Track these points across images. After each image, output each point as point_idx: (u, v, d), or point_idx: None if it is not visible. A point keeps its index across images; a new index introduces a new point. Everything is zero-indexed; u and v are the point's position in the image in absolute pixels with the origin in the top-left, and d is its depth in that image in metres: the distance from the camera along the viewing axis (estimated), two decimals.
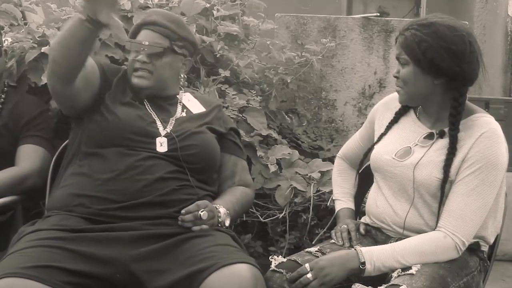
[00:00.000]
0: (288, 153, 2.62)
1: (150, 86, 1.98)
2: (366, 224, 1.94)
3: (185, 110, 2.03)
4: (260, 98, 2.74)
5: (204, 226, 1.76)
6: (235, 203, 1.94)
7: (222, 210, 1.85)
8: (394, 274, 1.66)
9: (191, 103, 2.07)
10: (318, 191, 2.57)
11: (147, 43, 1.95)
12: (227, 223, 1.85)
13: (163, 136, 1.89)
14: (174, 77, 2.05)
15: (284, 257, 1.80)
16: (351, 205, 2.08)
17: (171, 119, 1.97)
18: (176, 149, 1.88)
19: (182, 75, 2.08)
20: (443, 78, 1.74)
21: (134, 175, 1.79)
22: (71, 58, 1.77)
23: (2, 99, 2.26)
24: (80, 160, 1.88)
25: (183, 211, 1.76)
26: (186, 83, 2.17)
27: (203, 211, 1.76)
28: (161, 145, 1.87)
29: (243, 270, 1.59)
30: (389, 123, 1.93)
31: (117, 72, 2.04)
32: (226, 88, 2.65)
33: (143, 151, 1.85)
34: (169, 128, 1.93)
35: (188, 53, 2.06)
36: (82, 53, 1.78)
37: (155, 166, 1.82)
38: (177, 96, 2.07)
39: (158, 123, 1.93)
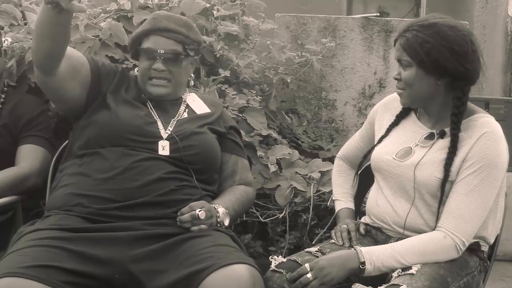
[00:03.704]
0: (288, 153, 2.62)
1: (169, 93, 1.99)
2: (366, 224, 1.94)
3: (187, 110, 2.03)
4: (260, 98, 2.74)
5: (203, 226, 1.76)
6: (235, 202, 1.94)
7: (221, 210, 1.85)
8: (394, 274, 1.66)
9: (195, 103, 2.07)
10: (318, 191, 2.56)
11: (163, 51, 1.94)
12: (227, 222, 1.85)
13: (165, 139, 1.89)
14: (186, 80, 2.08)
15: (284, 257, 1.80)
16: (351, 205, 2.08)
17: (172, 119, 1.97)
18: (178, 149, 1.87)
19: (191, 75, 2.10)
20: (446, 78, 1.74)
21: (133, 175, 1.79)
22: (43, 44, 1.78)
23: (2, 99, 2.26)
24: (80, 160, 1.88)
25: (178, 213, 1.76)
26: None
27: (200, 210, 1.76)
28: (163, 149, 1.87)
29: (241, 271, 1.58)
30: (390, 125, 1.93)
31: (115, 71, 2.03)
32: (226, 88, 2.65)
33: (143, 152, 1.84)
34: (169, 129, 1.93)
35: (195, 53, 2.07)
36: (53, 39, 1.77)
37: (154, 166, 1.82)
38: (182, 96, 2.07)
39: (159, 124, 1.93)
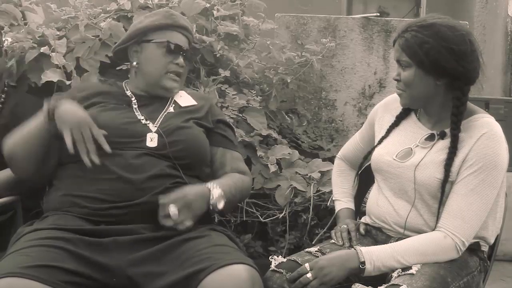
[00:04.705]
0: (288, 153, 2.62)
1: (179, 90, 2.06)
2: (366, 224, 1.94)
3: (173, 105, 2.03)
4: (260, 98, 2.74)
5: (187, 222, 1.74)
6: (232, 186, 1.91)
7: (216, 191, 1.81)
8: (394, 274, 1.66)
9: (182, 98, 2.07)
10: (318, 191, 2.57)
11: (185, 47, 2.02)
12: (221, 205, 1.81)
13: (154, 132, 1.89)
14: None
15: (284, 257, 1.80)
16: (351, 205, 2.08)
17: (159, 116, 1.96)
18: (164, 145, 1.86)
19: None
20: (445, 78, 1.73)
21: (127, 174, 1.78)
22: (25, 152, 1.86)
23: (2, 99, 2.26)
24: (73, 164, 1.86)
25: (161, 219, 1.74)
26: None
27: (170, 208, 1.72)
28: (151, 140, 1.87)
29: (240, 271, 1.58)
30: (390, 126, 1.93)
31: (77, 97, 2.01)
32: (226, 88, 2.65)
33: (133, 150, 1.84)
34: (156, 126, 1.92)
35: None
36: (36, 150, 1.86)
37: (146, 163, 1.81)
38: None
39: (145, 121, 1.92)
